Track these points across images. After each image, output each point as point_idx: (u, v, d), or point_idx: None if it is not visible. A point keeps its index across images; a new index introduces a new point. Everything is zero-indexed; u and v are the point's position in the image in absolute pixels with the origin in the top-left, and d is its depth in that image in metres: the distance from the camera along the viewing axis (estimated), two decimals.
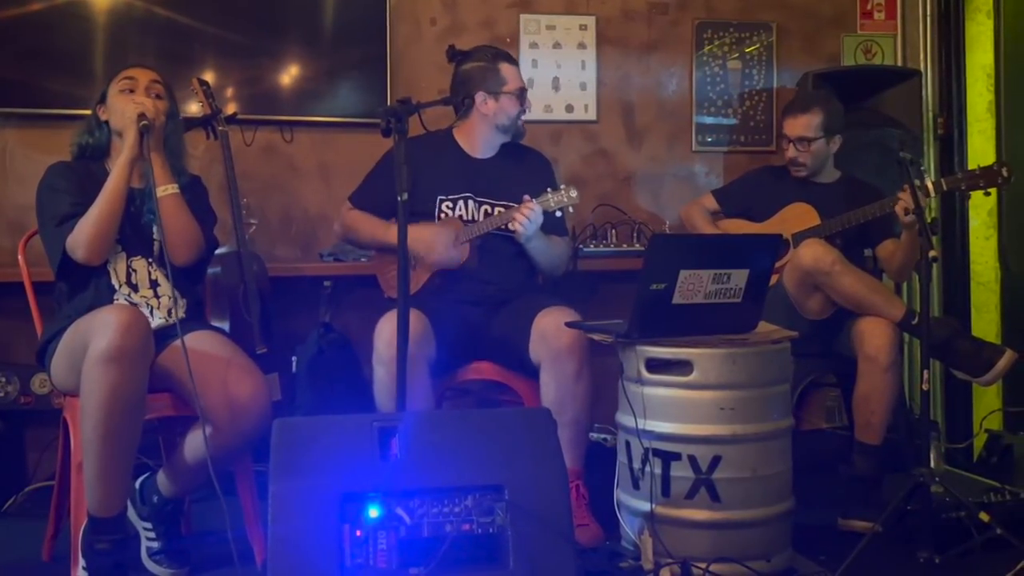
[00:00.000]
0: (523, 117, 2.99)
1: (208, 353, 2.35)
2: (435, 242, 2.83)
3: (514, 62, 2.99)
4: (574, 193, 2.78)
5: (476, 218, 2.91)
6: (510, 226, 2.80)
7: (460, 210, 2.90)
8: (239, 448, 2.38)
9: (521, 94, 2.95)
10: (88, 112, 2.59)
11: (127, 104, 2.44)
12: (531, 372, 2.71)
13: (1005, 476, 3.11)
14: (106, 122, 2.53)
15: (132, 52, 3.45)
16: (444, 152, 2.97)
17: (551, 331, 2.63)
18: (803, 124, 3.23)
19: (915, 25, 4.18)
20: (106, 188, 2.38)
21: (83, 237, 2.36)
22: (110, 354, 2.12)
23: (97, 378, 2.12)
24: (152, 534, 2.49)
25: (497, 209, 2.90)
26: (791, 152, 3.26)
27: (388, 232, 2.88)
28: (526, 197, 2.78)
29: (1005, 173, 2.82)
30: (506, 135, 2.99)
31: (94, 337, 2.15)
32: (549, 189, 2.80)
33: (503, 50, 3.04)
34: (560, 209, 2.79)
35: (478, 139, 2.99)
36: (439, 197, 2.90)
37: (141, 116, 2.39)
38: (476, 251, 2.87)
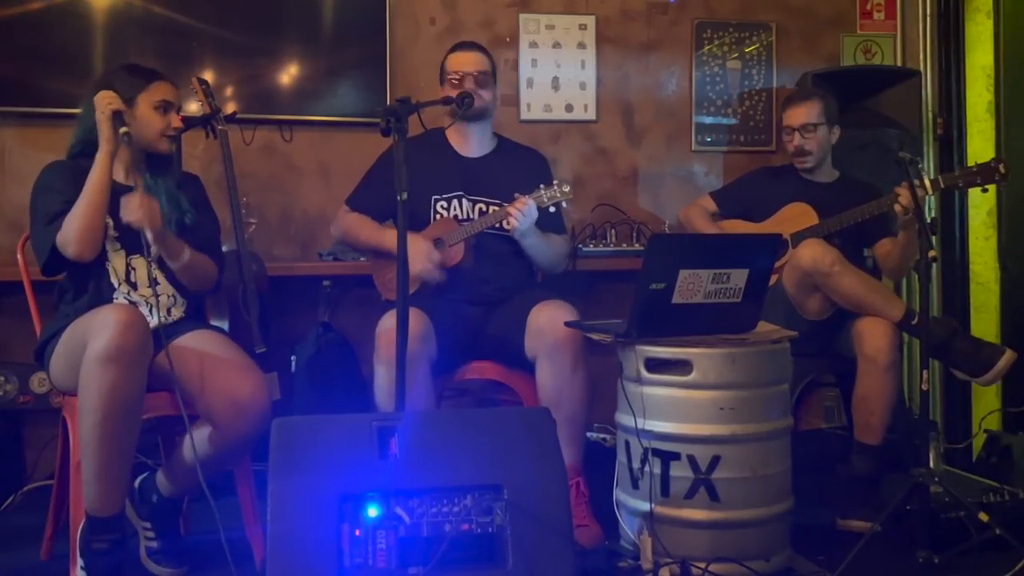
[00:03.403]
0: (481, 100, 2.88)
1: (209, 353, 2.35)
2: (419, 258, 2.73)
3: (464, 47, 2.98)
4: (567, 188, 2.76)
5: (471, 217, 2.90)
6: (504, 223, 2.80)
7: (455, 209, 2.90)
8: (239, 448, 2.38)
9: (460, 78, 2.91)
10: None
11: (161, 123, 2.51)
12: (528, 368, 2.70)
13: (1004, 476, 3.10)
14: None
15: (131, 51, 3.46)
16: (437, 152, 2.97)
17: (546, 325, 2.62)
18: (806, 111, 3.25)
19: (914, 25, 4.19)
20: (89, 181, 2.38)
21: (72, 232, 2.36)
22: (109, 353, 2.12)
23: (96, 377, 2.12)
24: (151, 533, 2.49)
25: (491, 208, 2.90)
26: (797, 140, 3.26)
27: (383, 236, 2.89)
28: (518, 194, 2.77)
29: (1002, 170, 2.81)
30: (474, 123, 2.95)
31: (93, 336, 2.15)
32: (542, 185, 2.77)
33: (464, 40, 3.04)
34: (555, 204, 2.76)
35: (466, 137, 2.99)
36: (433, 197, 2.90)
37: (118, 115, 2.40)
38: (472, 251, 2.86)
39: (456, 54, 2.98)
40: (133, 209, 2.35)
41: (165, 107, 2.53)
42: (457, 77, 2.92)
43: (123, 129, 2.39)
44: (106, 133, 2.40)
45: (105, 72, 2.66)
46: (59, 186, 2.45)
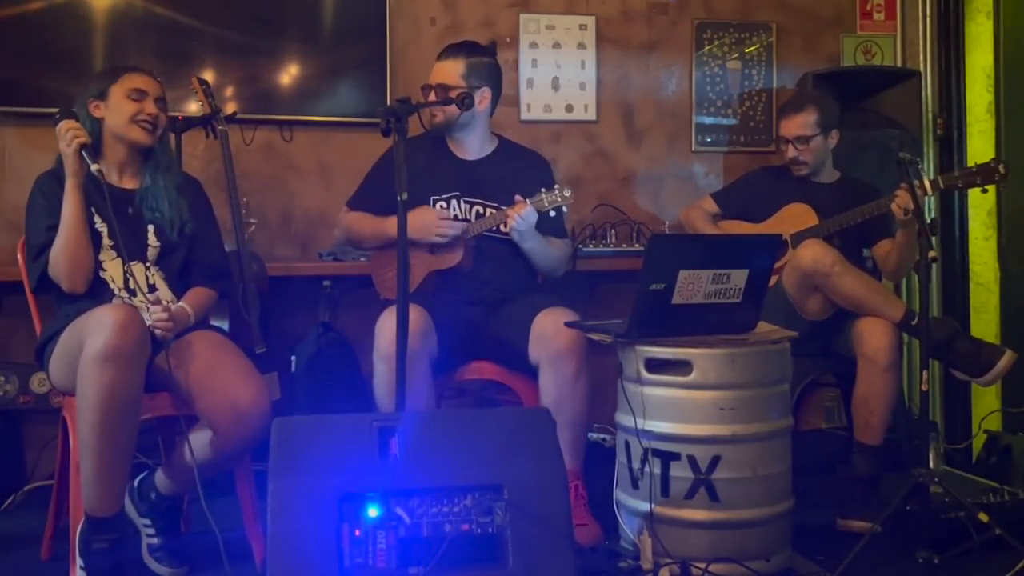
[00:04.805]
0: (439, 114, 2.90)
1: (209, 356, 2.35)
2: (429, 221, 2.79)
3: (439, 56, 2.94)
4: (568, 193, 2.74)
5: (468, 217, 2.90)
6: (503, 226, 2.79)
7: (454, 209, 2.90)
8: (238, 453, 2.38)
9: (424, 90, 2.92)
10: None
11: (132, 108, 2.47)
12: (530, 372, 2.70)
13: (1004, 477, 3.10)
14: (99, 119, 2.50)
15: (132, 51, 3.46)
16: (435, 153, 2.97)
17: (550, 332, 2.62)
18: (799, 123, 3.24)
19: (915, 26, 4.19)
20: (63, 218, 2.37)
21: (60, 269, 2.38)
22: (106, 353, 2.12)
23: (93, 377, 2.12)
24: (151, 531, 2.49)
25: (489, 210, 2.89)
26: (791, 152, 3.26)
27: (386, 224, 2.88)
28: (518, 197, 2.76)
29: (1002, 170, 2.81)
30: (456, 132, 2.94)
31: (90, 336, 2.15)
32: (543, 189, 2.75)
33: (448, 45, 2.97)
34: (555, 209, 2.75)
35: (460, 140, 2.98)
36: (432, 197, 2.90)
37: (86, 148, 2.36)
38: (471, 252, 2.86)
39: (438, 63, 2.94)
40: (158, 317, 2.32)
41: (138, 95, 2.49)
42: (425, 90, 2.92)
43: (95, 167, 2.32)
44: (72, 167, 2.36)
45: (92, 77, 2.65)
46: (44, 205, 2.44)
